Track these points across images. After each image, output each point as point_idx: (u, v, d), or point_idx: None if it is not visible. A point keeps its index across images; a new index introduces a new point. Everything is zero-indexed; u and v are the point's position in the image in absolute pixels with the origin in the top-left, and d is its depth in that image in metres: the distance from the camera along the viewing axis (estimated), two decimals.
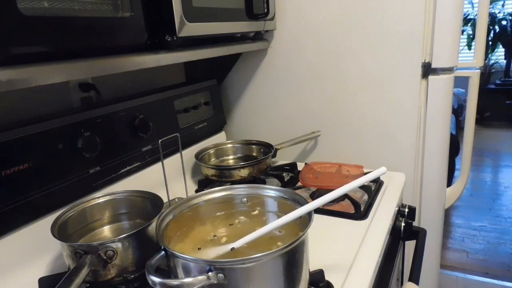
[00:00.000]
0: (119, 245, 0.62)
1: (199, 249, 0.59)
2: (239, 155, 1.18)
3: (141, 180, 0.93)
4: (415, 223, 0.99)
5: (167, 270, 0.54)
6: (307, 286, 0.59)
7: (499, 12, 4.38)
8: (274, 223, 0.56)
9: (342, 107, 1.15)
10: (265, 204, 0.68)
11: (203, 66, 1.26)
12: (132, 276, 0.65)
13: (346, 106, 1.14)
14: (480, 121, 4.60)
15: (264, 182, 1.03)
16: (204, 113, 1.18)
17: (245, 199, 0.68)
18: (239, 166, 0.99)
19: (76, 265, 0.58)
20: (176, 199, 0.84)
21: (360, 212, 0.86)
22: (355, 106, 1.13)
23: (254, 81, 1.26)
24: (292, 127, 1.24)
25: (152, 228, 0.65)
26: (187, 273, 0.51)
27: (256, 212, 0.68)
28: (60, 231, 0.66)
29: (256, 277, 0.50)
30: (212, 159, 1.16)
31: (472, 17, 4.14)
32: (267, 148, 1.12)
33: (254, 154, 1.16)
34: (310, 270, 0.61)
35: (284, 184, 1.04)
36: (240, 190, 0.69)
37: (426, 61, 1.02)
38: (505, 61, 4.54)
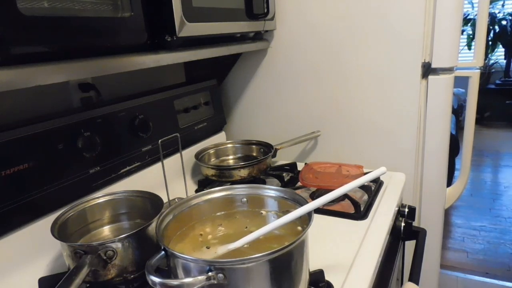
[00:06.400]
0: (119, 245, 0.62)
1: (207, 248, 0.59)
2: (239, 155, 1.18)
3: (141, 180, 0.93)
4: (415, 223, 0.99)
5: (167, 270, 0.54)
6: (307, 286, 0.59)
7: (499, 12, 4.38)
8: (274, 223, 0.56)
9: (342, 107, 1.15)
10: (265, 204, 0.68)
11: (203, 66, 1.26)
12: (132, 276, 0.65)
13: (346, 106, 1.14)
14: (480, 121, 4.59)
15: (264, 182, 1.03)
16: (204, 113, 1.18)
17: (245, 199, 0.68)
18: (239, 166, 0.99)
19: (76, 265, 0.58)
20: (176, 199, 0.84)
21: (360, 212, 0.86)
22: (355, 106, 1.13)
23: (254, 81, 1.26)
24: (292, 127, 1.24)
25: (152, 228, 0.65)
26: (187, 273, 0.51)
27: (257, 212, 0.68)
28: (60, 231, 0.66)
29: (256, 277, 0.50)
30: (212, 159, 1.16)
31: (472, 17, 4.14)
32: (267, 148, 1.12)
33: (254, 154, 1.16)
34: (310, 270, 0.61)
35: (284, 184, 1.04)
36: (240, 190, 0.69)
37: (426, 61, 1.02)
38: (505, 61, 4.54)
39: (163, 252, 0.52)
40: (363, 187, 0.97)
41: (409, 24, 1.00)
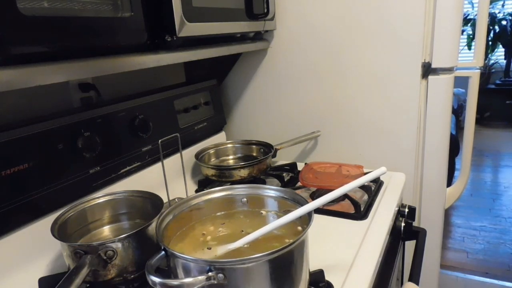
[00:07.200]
0: (119, 245, 0.62)
1: (209, 248, 0.59)
2: (239, 155, 1.18)
3: (141, 180, 0.93)
4: (415, 223, 0.99)
5: (167, 270, 0.54)
6: (307, 286, 0.59)
7: (499, 12, 4.38)
8: (274, 223, 0.56)
9: (342, 107, 1.15)
10: (265, 204, 0.68)
11: (203, 66, 1.26)
12: (132, 276, 0.65)
13: (346, 106, 1.14)
14: (480, 121, 4.60)
15: (264, 182, 1.03)
16: (204, 113, 1.18)
17: (245, 199, 0.68)
18: (239, 166, 0.99)
19: (76, 265, 0.58)
20: (176, 199, 0.84)
21: (360, 212, 0.86)
22: (355, 106, 1.13)
23: (254, 81, 1.26)
24: (292, 127, 1.24)
25: (152, 228, 0.65)
26: (187, 273, 0.51)
27: (257, 212, 0.68)
28: (60, 231, 0.66)
29: (256, 277, 0.50)
30: (212, 159, 1.16)
31: (472, 17, 4.14)
32: (267, 148, 1.12)
33: (254, 154, 1.16)
34: (310, 270, 0.61)
35: (284, 184, 1.04)
36: (240, 190, 0.69)
37: (426, 61, 1.02)
38: (505, 61, 4.54)
39: (163, 252, 0.52)
40: (363, 187, 0.97)
41: (409, 24, 1.00)
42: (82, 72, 0.61)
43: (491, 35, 4.35)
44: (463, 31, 4.14)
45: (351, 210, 0.87)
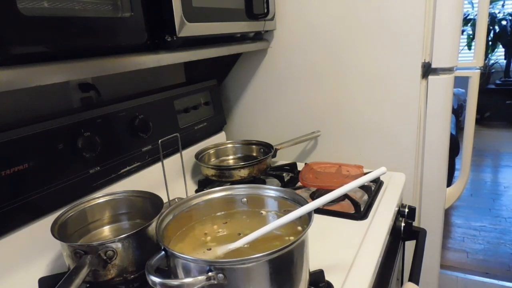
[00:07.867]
0: (119, 245, 0.62)
1: (209, 249, 0.59)
2: (239, 155, 1.18)
3: (141, 180, 0.93)
4: (415, 223, 0.99)
5: (167, 270, 0.54)
6: (307, 286, 0.59)
7: (499, 12, 4.37)
8: (274, 223, 0.56)
9: (342, 107, 1.15)
10: (265, 204, 0.68)
11: (203, 66, 1.26)
12: (132, 276, 0.65)
13: (346, 106, 1.14)
14: (480, 121, 4.60)
15: (264, 182, 1.03)
16: (204, 113, 1.18)
17: (245, 199, 0.68)
18: (239, 166, 0.99)
19: (76, 265, 0.58)
20: (176, 199, 0.84)
21: (360, 212, 0.86)
22: (355, 106, 1.13)
23: (254, 81, 1.26)
24: (292, 127, 1.24)
25: (152, 228, 0.65)
26: (187, 273, 0.51)
27: (257, 212, 0.68)
28: (60, 231, 0.66)
29: (256, 277, 0.50)
30: (212, 159, 1.16)
31: (472, 17, 4.14)
32: (267, 148, 1.12)
33: (254, 154, 1.16)
34: (310, 270, 0.61)
35: (284, 184, 1.04)
36: (240, 190, 0.69)
37: (426, 61, 1.02)
38: (505, 61, 4.54)
39: (163, 252, 0.52)
40: (363, 187, 0.97)
41: (409, 24, 1.00)
42: (82, 72, 0.61)
43: (491, 35, 4.35)
44: (463, 31, 4.14)
45: (351, 210, 0.87)
